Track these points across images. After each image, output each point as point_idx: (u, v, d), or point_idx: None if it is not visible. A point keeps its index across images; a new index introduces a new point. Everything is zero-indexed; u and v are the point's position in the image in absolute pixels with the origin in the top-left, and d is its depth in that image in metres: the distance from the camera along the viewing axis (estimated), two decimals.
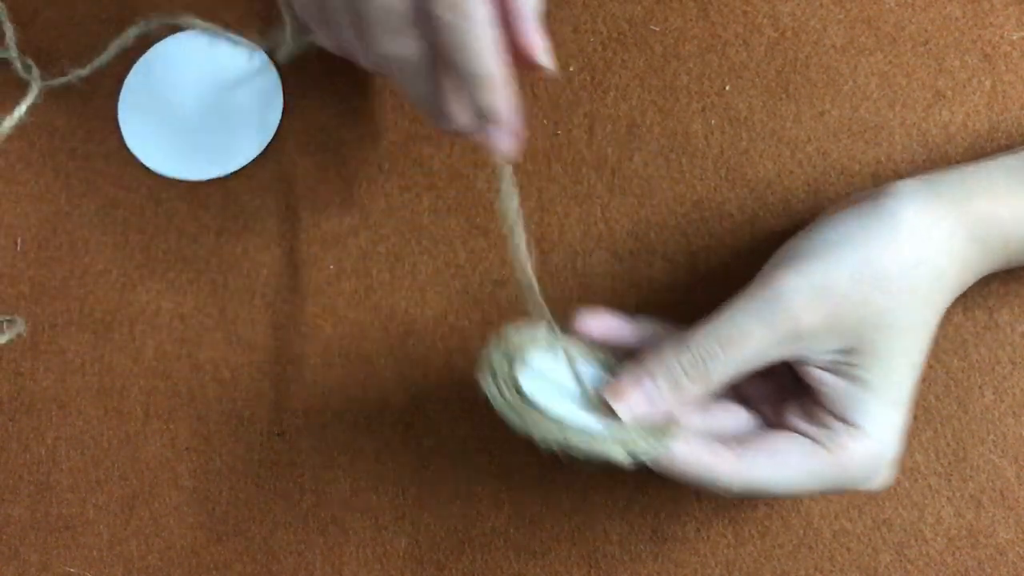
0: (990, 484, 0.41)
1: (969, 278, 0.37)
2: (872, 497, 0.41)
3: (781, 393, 0.38)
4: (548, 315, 0.36)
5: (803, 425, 0.36)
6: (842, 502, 0.41)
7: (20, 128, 0.47)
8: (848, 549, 0.41)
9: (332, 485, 0.43)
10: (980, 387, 0.42)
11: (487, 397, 0.34)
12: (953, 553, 0.41)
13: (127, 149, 0.47)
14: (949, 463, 0.41)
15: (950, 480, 0.41)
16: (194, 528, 0.43)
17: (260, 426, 0.44)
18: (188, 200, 0.46)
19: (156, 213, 0.46)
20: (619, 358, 0.38)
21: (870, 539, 0.41)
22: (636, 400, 0.35)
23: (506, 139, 0.36)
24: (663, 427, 0.35)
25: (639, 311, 0.43)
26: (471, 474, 0.43)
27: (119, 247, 0.46)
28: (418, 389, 0.44)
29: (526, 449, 0.43)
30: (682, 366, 0.35)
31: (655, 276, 0.44)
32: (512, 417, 0.34)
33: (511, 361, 0.35)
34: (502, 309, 0.44)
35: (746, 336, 0.34)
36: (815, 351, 0.35)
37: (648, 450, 0.34)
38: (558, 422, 0.33)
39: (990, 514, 0.41)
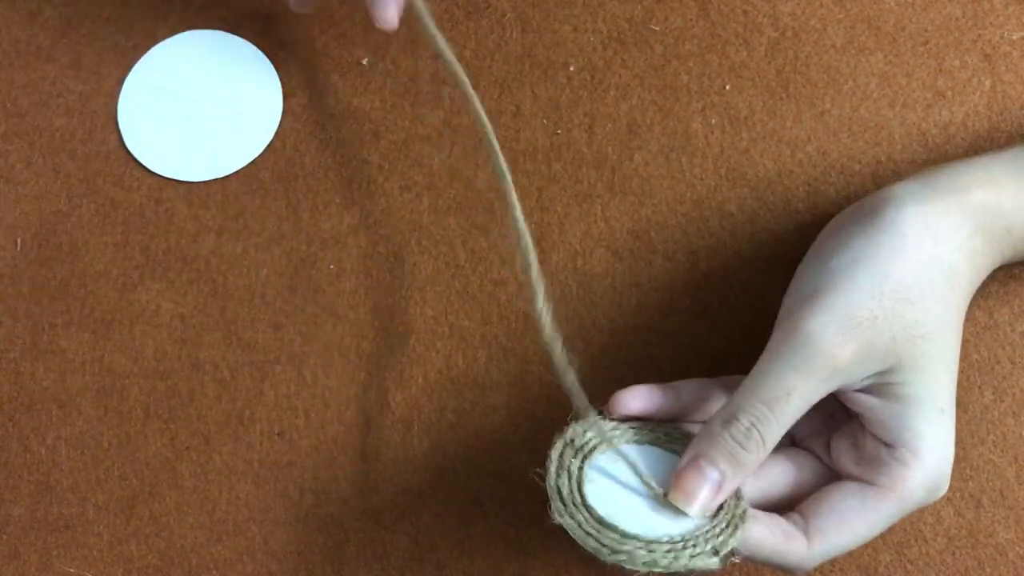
0: (990, 484, 0.41)
1: (981, 270, 0.36)
2: None
3: (829, 424, 0.37)
4: (585, 402, 0.35)
5: (856, 469, 0.35)
6: None
7: (21, 128, 0.47)
8: None
9: (332, 485, 0.43)
10: (980, 387, 0.42)
11: (563, 528, 0.34)
12: (953, 553, 0.41)
13: (127, 149, 0.47)
14: None
15: (950, 480, 0.41)
16: (194, 528, 0.43)
17: (260, 426, 0.44)
18: (188, 200, 0.46)
19: (156, 213, 0.46)
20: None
21: None
22: (705, 496, 0.34)
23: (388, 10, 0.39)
24: (733, 506, 0.34)
25: (639, 310, 0.43)
26: (471, 474, 0.43)
27: (119, 247, 0.46)
28: (418, 389, 0.44)
29: (526, 449, 0.43)
30: (736, 440, 0.34)
31: (655, 275, 0.44)
32: (593, 544, 0.33)
33: (572, 478, 0.35)
34: (502, 309, 0.44)
35: (790, 391, 0.33)
36: (856, 378, 0.34)
37: (732, 543, 0.33)
38: (639, 539, 0.33)
39: (990, 514, 0.41)
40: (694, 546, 0.33)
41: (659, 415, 0.38)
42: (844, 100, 0.45)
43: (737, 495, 0.35)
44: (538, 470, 0.35)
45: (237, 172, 0.46)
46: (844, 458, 0.36)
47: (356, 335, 0.44)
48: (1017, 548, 0.41)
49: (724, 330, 0.43)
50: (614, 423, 0.37)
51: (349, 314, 0.45)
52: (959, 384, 0.41)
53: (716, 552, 0.32)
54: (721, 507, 0.34)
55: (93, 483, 0.44)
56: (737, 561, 0.33)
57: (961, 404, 0.41)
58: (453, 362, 0.44)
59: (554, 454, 0.35)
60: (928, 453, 0.34)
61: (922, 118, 0.44)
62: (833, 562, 0.41)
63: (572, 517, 0.34)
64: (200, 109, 0.47)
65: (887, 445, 0.34)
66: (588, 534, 0.33)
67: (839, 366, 0.34)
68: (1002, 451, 0.41)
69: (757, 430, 0.34)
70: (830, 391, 0.34)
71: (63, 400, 0.45)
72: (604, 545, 0.33)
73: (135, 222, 0.46)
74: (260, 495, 0.43)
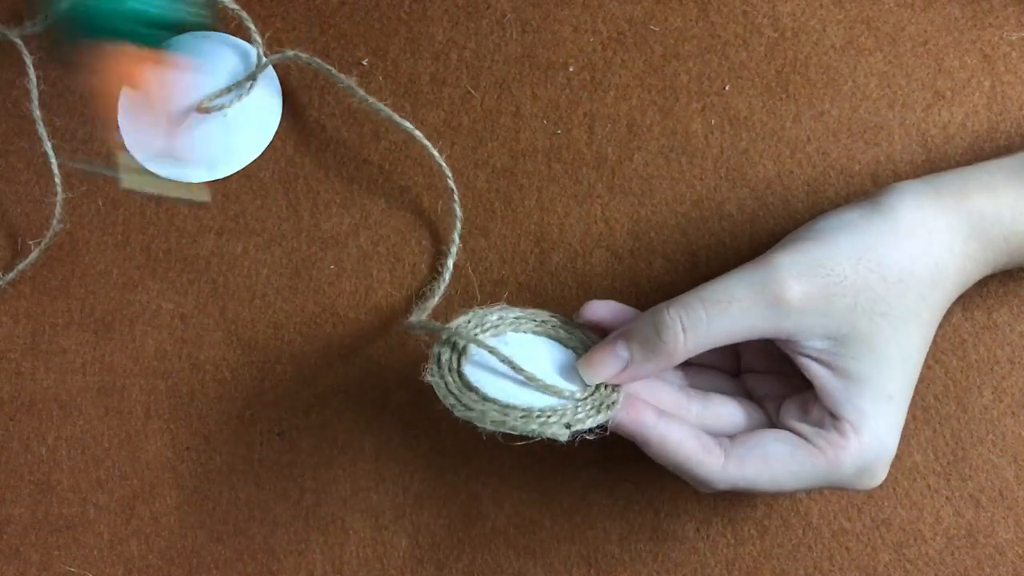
0: (989, 483, 0.41)
1: (970, 276, 0.37)
2: (871, 497, 0.41)
3: (786, 390, 0.38)
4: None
5: (797, 424, 0.35)
6: (841, 502, 0.41)
7: (21, 128, 0.47)
8: (847, 549, 0.41)
9: (332, 485, 0.43)
10: (979, 387, 0.42)
11: (433, 388, 0.35)
12: (952, 553, 0.41)
13: (127, 150, 0.47)
14: (948, 463, 0.41)
15: (949, 479, 0.41)
16: (194, 528, 0.43)
17: (260, 426, 0.44)
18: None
19: (156, 213, 0.46)
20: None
21: (869, 539, 0.41)
22: (607, 370, 0.35)
23: None
24: (605, 394, 0.35)
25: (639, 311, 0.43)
26: (471, 474, 0.43)
27: (119, 247, 0.46)
28: (418, 389, 0.44)
29: (526, 449, 0.43)
30: (657, 328, 0.35)
31: (655, 275, 0.44)
32: (452, 402, 0.34)
33: (457, 351, 0.36)
34: None
35: (731, 299, 0.34)
36: (806, 333, 0.34)
37: (589, 423, 0.34)
38: (496, 402, 0.34)
39: (989, 513, 0.41)
40: (548, 417, 0.34)
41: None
42: (844, 100, 0.45)
43: (614, 387, 0.36)
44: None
45: (237, 172, 0.46)
46: (789, 416, 0.36)
47: (356, 335, 0.44)
48: (1016, 548, 0.41)
49: None
50: (522, 314, 0.38)
51: (349, 314, 0.45)
52: (958, 384, 0.42)
53: (568, 426, 0.34)
54: (593, 394, 0.35)
55: (93, 483, 0.44)
56: (597, 435, 0.35)
57: (960, 404, 0.42)
58: None
59: (451, 325, 0.36)
60: (868, 433, 0.34)
61: (922, 118, 0.44)
62: (833, 562, 0.41)
63: (442, 378, 0.35)
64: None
65: (832, 416, 0.35)
66: (450, 392, 0.35)
67: (789, 302, 0.34)
68: (1001, 451, 0.41)
69: (681, 322, 0.34)
70: (776, 332, 0.35)
71: (63, 400, 0.45)
72: (461, 403, 0.34)
73: (135, 222, 0.46)
74: (260, 495, 0.43)
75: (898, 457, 0.41)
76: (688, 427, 0.35)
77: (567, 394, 0.35)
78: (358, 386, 0.44)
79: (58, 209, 0.46)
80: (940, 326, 0.42)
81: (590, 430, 0.34)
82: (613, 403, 0.35)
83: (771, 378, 0.38)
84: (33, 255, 0.45)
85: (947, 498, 0.41)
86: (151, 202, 0.46)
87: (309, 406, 0.44)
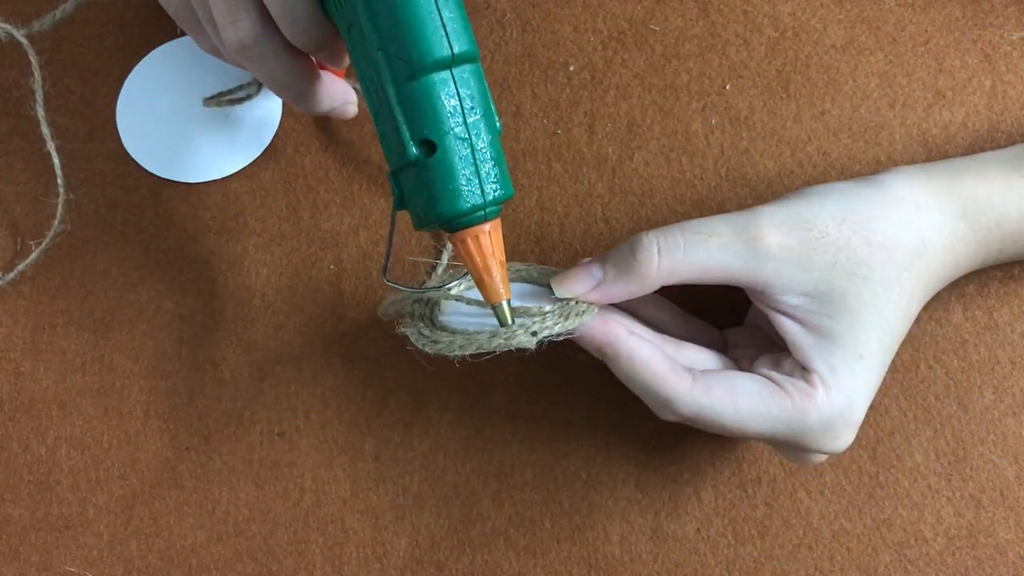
0: (990, 484, 0.41)
1: (961, 258, 0.37)
2: (872, 497, 0.41)
3: (762, 350, 0.38)
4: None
5: (768, 371, 0.36)
6: (842, 502, 0.41)
7: (20, 128, 0.47)
8: (848, 549, 0.41)
9: (332, 485, 0.43)
10: (980, 387, 0.42)
11: (408, 337, 0.36)
12: (953, 553, 0.41)
13: (127, 150, 0.47)
14: (949, 463, 0.41)
15: (950, 480, 0.41)
16: (194, 528, 0.43)
17: (260, 426, 0.44)
18: (188, 200, 0.46)
19: (156, 213, 0.46)
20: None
21: (870, 539, 0.41)
22: (578, 287, 0.36)
23: (351, 108, 0.42)
24: (572, 306, 0.36)
25: None
26: (471, 474, 0.43)
27: (119, 247, 0.46)
28: (418, 389, 0.44)
29: (526, 449, 0.43)
30: (633, 250, 0.35)
31: None
32: (424, 342, 0.35)
33: (430, 306, 0.37)
34: None
35: (711, 234, 0.35)
36: (783, 287, 0.35)
37: (557, 328, 0.34)
38: (465, 332, 0.35)
39: (990, 514, 0.41)
40: (515, 331, 0.34)
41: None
42: (844, 100, 0.45)
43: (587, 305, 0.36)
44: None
45: (237, 172, 0.46)
46: (761, 366, 0.37)
47: (355, 335, 0.44)
48: (1017, 548, 0.41)
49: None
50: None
51: (349, 314, 0.45)
52: (959, 384, 0.42)
53: (535, 334, 0.34)
54: (563, 307, 0.36)
55: (93, 483, 0.44)
56: (566, 336, 0.35)
57: (961, 404, 0.42)
58: (453, 362, 0.44)
59: (422, 286, 0.37)
60: (836, 388, 0.34)
61: (922, 118, 0.44)
62: (833, 562, 0.41)
63: (415, 327, 0.36)
64: (200, 110, 0.47)
65: (803, 368, 0.35)
66: (422, 334, 0.36)
67: (767, 248, 0.34)
68: (1002, 451, 0.41)
69: (658, 244, 0.35)
70: (753, 278, 0.35)
71: (63, 400, 0.45)
72: (431, 339, 0.35)
73: (135, 222, 0.46)
74: (260, 495, 0.43)
75: (899, 457, 0.41)
76: (659, 349, 0.35)
77: (535, 310, 0.35)
78: (358, 386, 0.44)
79: (59, 210, 0.46)
80: (941, 326, 0.42)
81: (558, 334, 0.35)
82: (583, 312, 0.35)
83: (752, 351, 0.39)
84: (33, 255, 0.45)
85: (948, 498, 0.41)
86: (151, 202, 0.46)
87: (309, 406, 0.44)
